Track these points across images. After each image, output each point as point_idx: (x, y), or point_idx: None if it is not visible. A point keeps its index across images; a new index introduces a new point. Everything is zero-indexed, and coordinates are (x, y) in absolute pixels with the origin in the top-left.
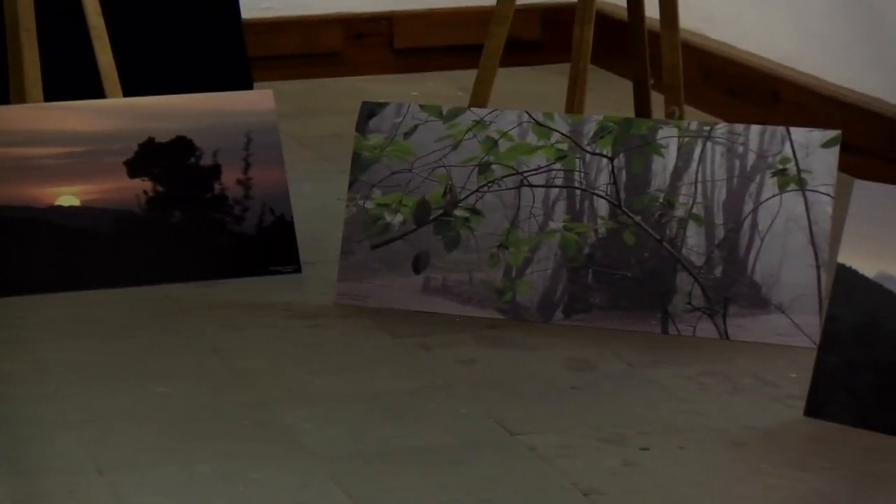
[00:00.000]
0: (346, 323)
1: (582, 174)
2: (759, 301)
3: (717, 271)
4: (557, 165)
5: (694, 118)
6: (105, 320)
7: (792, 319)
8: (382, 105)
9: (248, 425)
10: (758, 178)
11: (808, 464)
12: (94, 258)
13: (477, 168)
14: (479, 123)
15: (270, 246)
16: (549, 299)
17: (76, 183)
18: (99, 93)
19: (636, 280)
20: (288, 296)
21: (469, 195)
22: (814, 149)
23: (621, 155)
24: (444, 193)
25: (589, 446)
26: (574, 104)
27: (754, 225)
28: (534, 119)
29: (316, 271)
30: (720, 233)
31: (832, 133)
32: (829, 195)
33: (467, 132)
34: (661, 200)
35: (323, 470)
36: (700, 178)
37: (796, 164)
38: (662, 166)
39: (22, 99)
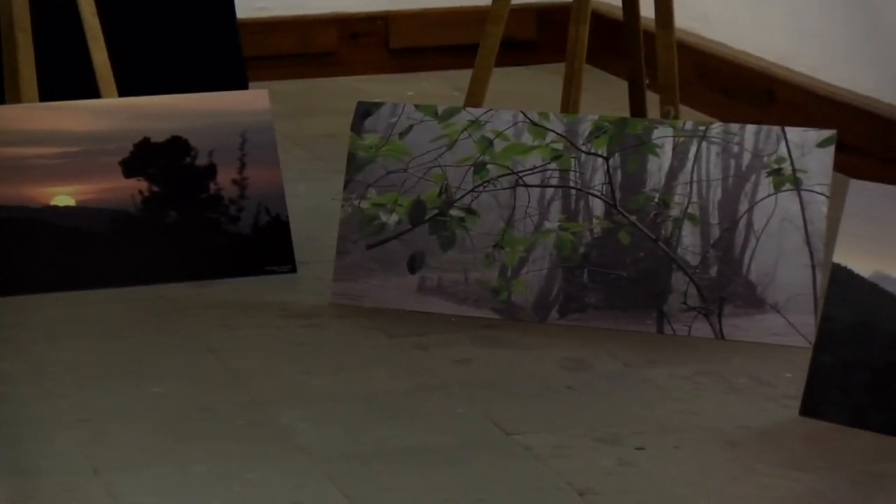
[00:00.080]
0: (342, 323)
1: (577, 174)
2: (754, 301)
3: (713, 271)
4: (553, 165)
5: (689, 118)
6: (100, 320)
7: (787, 319)
8: (378, 105)
9: (244, 425)
10: (753, 177)
11: (803, 463)
12: (90, 258)
13: (472, 168)
14: (475, 123)
15: (266, 246)
16: (544, 299)
17: (72, 183)
18: (94, 93)
19: (631, 280)
20: (283, 296)
21: (464, 195)
22: (809, 148)
23: (616, 155)
24: (440, 193)
25: (584, 446)
26: (569, 104)
27: (749, 224)
28: (529, 119)
29: (311, 271)
30: (715, 232)
31: (827, 133)
32: (824, 195)
33: (462, 132)
34: (656, 200)
35: (319, 470)
36: (695, 178)
37: (791, 163)
38: (658, 166)
39: (17, 99)
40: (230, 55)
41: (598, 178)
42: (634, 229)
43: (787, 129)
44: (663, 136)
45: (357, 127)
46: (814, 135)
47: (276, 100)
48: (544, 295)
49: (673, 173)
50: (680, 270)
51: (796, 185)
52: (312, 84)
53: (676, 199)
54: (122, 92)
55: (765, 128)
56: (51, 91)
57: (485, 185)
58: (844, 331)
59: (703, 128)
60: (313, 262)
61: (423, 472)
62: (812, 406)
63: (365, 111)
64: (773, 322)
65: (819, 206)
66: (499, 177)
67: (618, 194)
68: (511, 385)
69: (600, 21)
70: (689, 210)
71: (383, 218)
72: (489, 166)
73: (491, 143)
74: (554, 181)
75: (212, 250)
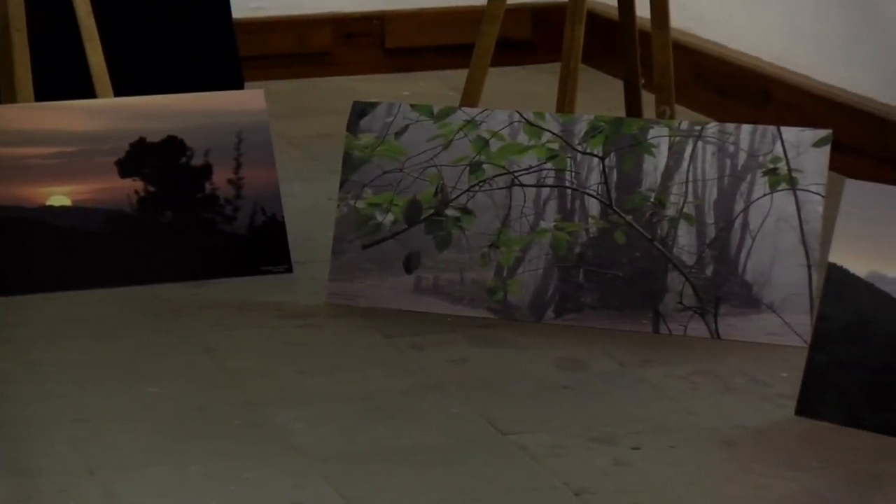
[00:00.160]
0: (338, 323)
1: (573, 174)
2: (750, 300)
3: (709, 271)
4: (548, 165)
5: (685, 117)
6: (97, 320)
7: (783, 319)
8: (373, 105)
9: (240, 425)
10: (749, 177)
11: (799, 463)
12: (86, 258)
13: (468, 168)
14: (471, 123)
15: (261, 246)
16: (540, 299)
17: (67, 183)
18: (90, 93)
19: (627, 279)
20: (279, 295)
21: (460, 195)
22: (805, 148)
23: (612, 154)
24: (436, 193)
25: (580, 446)
26: (565, 104)
27: (745, 224)
28: (525, 119)
29: (307, 271)
30: (711, 232)
31: (823, 132)
32: (820, 194)
33: (458, 132)
34: (652, 200)
35: (315, 469)
36: (691, 178)
37: (787, 163)
38: (653, 166)
39: (13, 99)
40: (226, 55)
41: (594, 178)
42: (630, 229)
43: (783, 128)
44: (659, 136)
45: (353, 127)
46: (809, 134)
47: (271, 100)
48: (540, 295)
49: (669, 173)
50: (676, 270)
51: (792, 184)
52: (308, 84)
53: (672, 198)
54: (118, 92)
55: (760, 127)
56: (46, 91)
57: (481, 184)
58: (840, 330)
59: (698, 127)
60: (309, 262)
61: (418, 472)
62: (808, 406)
63: (361, 111)
64: (769, 322)
65: (815, 206)
66: (495, 176)
67: (613, 194)
68: (507, 385)
69: (596, 21)
70: (685, 210)
71: (379, 218)
72: (485, 166)
73: (487, 142)
74: (550, 181)
75: (207, 250)
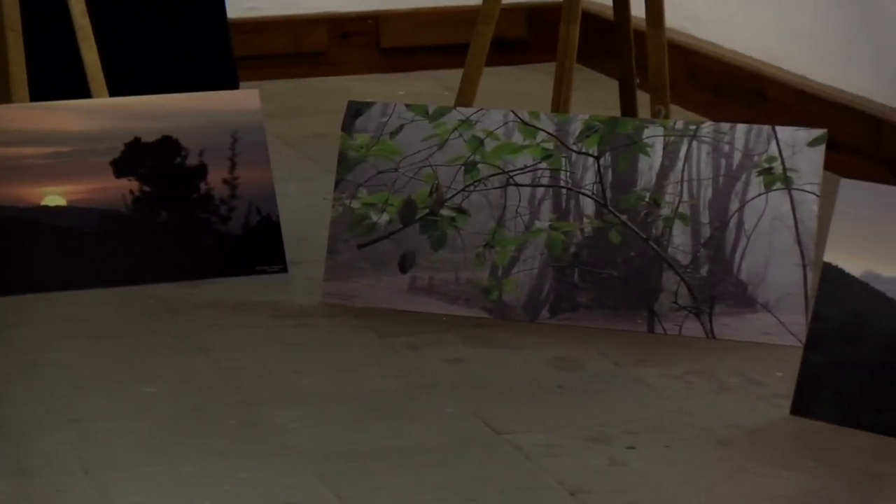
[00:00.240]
0: (333, 322)
1: (568, 173)
2: (745, 300)
3: (704, 270)
4: (543, 165)
5: (680, 117)
6: (92, 320)
7: (778, 318)
8: (368, 104)
9: (236, 425)
10: (744, 176)
11: (794, 462)
12: (81, 258)
13: (463, 167)
14: (465, 123)
15: (256, 245)
16: (535, 298)
17: (62, 183)
18: (85, 93)
19: (622, 279)
20: (274, 295)
21: (455, 194)
22: (800, 147)
23: (607, 154)
24: (431, 193)
25: (575, 445)
26: (560, 103)
27: (740, 224)
28: (520, 118)
29: (302, 271)
30: (706, 232)
31: (818, 132)
32: (815, 194)
33: (453, 131)
34: (647, 199)
35: (310, 469)
36: (686, 177)
37: (782, 162)
38: (648, 165)
39: (7, 99)
40: (221, 55)
41: (589, 178)
42: (625, 229)
43: (778, 128)
44: (654, 136)
45: (348, 127)
46: (804, 134)
47: (266, 99)
48: (535, 294)
49: (664, 173)
50: (671, 270)
51: (787, 184)
52: (303, 84)
53: (667, 198)
54: (113, 92)
55: (755, 127)
56: (41, 91)
57: (475, 184)
58: (835, 330)
59: (693, 127)
60: (304, 262)
61: (414, 472)
62: (803, 405)
63: (356, 111)
64: (764, 321)
65: (810, 205)
66: (489, 176)
67: (608, 194)
68: (502, 384)
69: (591, 20)
70: (680, 209)
71: (374, 217)
72: (480, 166)
73: (482, 142)
74: (545, 181)
75: (202, 250)
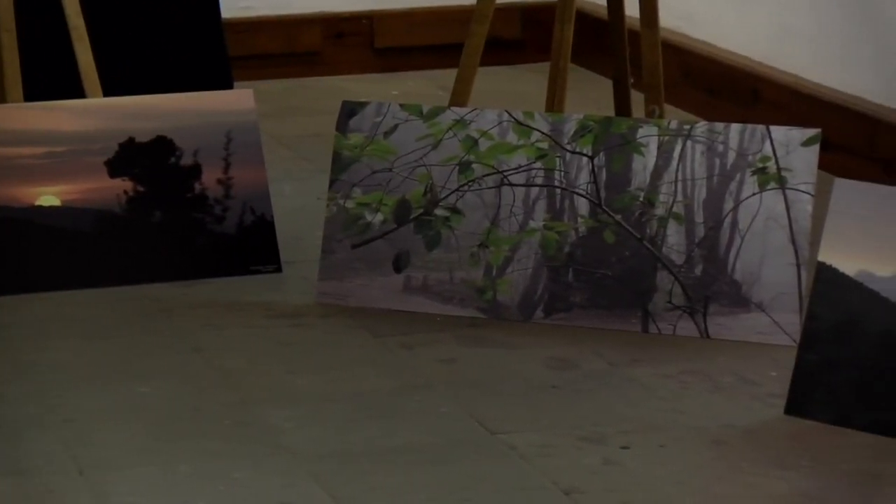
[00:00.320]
0: (327, 322)
1: (562, 173)
2: (739, 299)
3: (698, 270)
4: (538, 164)
5: (674, 117)
6: (87, 320)
7: (772, 318)
8: (363, 104)
9: (230, 425)
10: (738, 176)
11: (788, 462)
12: (75, 258)
13: (457, 167)
14: (460, 122)
15: (251, 245)
16: (529, 298)
17: (57, 183)
18: (79, 92)
19: (616, 279)
20: (269, 295)
21: (449, 194)
22: (794, 147)
23: (601, 154)
24: (425, 192)
25: (569, 445)
26: (554, 103)
27: (734, 223)
28: (514, 118)
29: (296, 271)
30: (700, 231)
31: (812, 131)
32: (809, 193)
33: (448, 131)
34: (641, 199)
35: (305, 469)
36: (680, 177)
37: (776, 162)
38: (643, 165)
39: (2, 99)
40: (215, 55)
41: (583, 178)
42: (619, 228)
43: (772, 127)
44: (648, 136)
45: (342, 126)
46: (798, 134)
47: (261, 99)
48: (529, 294)
49: (658, 172)
50: (665, 269)
51: (781, 183)
52: (297, 84)
53: (661, 198)
54: (107, 92)
55: (749, 127)
56: (36, 91)
57: (470, 184)
58: (829, 329)
59: (687, 127)
60: (298, 262)
61: (408, 472)
62: (797, 405)
63: (350, 111)
64: (758, 321)
65: (804, 205)
66: (484, 176)
67: (603, 193)
68: (496, 384)
69: (585, 20)
70: (674, 209)
71: (368, 217)
72: (474, 165)
73: (476, 142)
74: (539, 180)
75: (197, 250)
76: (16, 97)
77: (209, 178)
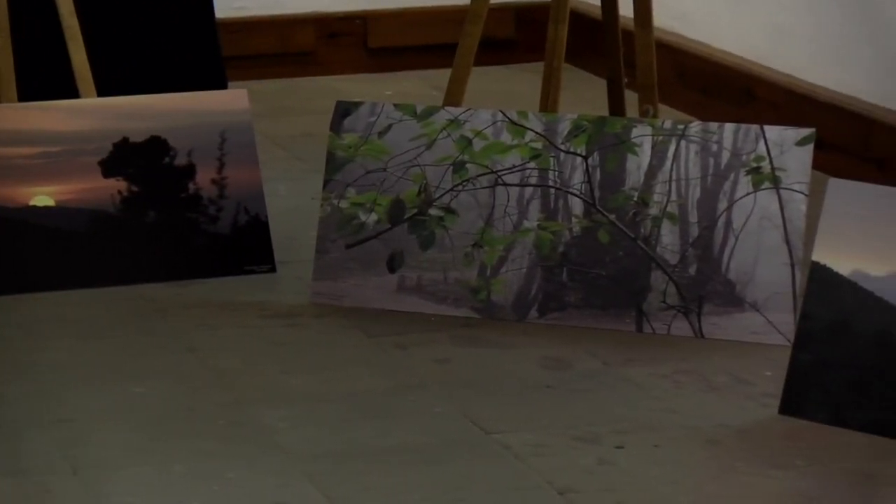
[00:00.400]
0: (322, 322)
1: (556, 173)
2: (733, 299)
3: (692, 269)
4: (532, 164)
5: (668, 117)
6: (81, 320)
7: (766, 317)
8: (357, 104)
9: (225, 425)
10: (732, 176)
11: (782, 462)
12: (69, 258)
13: (451, 167)
14: (454, 122)
15: (245, 245)
16: (523, 298)
17: (51, 183)
18: (73, 93)
19: (611, 278)
20: (263, 295)
21: (443, 194)
22: (788, 147)
23: (595, 153)
24: (419, 192)
25: (564, 445)
26: (548, 103)
27: (728, 223)
28: (508, 118)
29: (291, 271)
30: (694, 231)
31: (806, 131)
32: (803, 193)
33: (441, 131)
34: (635, 199)
35: (299, 469)
36: (674, 177)
37: (770, 162)
38: (637, 165)
39: None
40: (209, 55)
41: (577, 177)
42: (613, 228)
43: (766, 127)
44: (642, 135)
45: (336, 126)
46: (793, 133)
47: (255, 99)
48: (523, 294)
49: (652, 172)
50: (659, 269)
51: (775, 183)
52: (291, 84)
53: (655, 197)
54: (101, 92)
55: (744, 126)
56: (30, 91)
57: (464, 184)
58: (824, 329)
59: (682, 126)
60: (293, 262)
61: (402, 472)
62: (791, 404)
63: (344, 111)
64: (753, 320)
65: (798, 205)
66: (478, 176)
67: (597, 193)
68: (490, 384)
69: (579, 20)
70: (668, 209)
71: (362, 217)
72: (468, 165)
73: (470, 142)
74: (533, 180)
75: (191, 250)
76: (10, 97)
77: (203, 178)
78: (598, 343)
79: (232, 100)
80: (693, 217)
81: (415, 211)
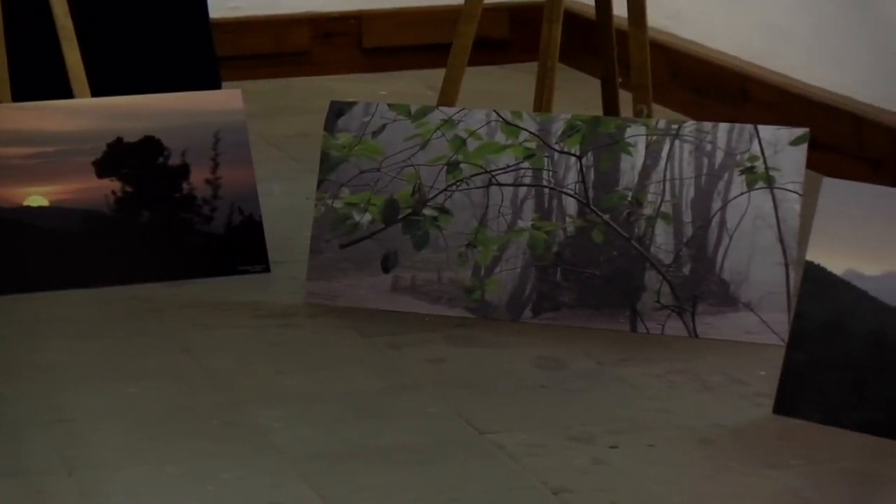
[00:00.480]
0: (316, 322)
1: (550, 173)
2: (727, 299)
3: (686, 269)
4: (526, 164)
5: (662, 116)
6: (75, 321)
7: (760, 317)
8: (351, 104)
9: (219, 425)
10: (726, 175)
11: (777, 461)
12: (63, 258)
13: (445, 167)
14: (448, 122)
15: (239, 245)
16: (517, 298)
17: (45, 183)
18: (67, 93)
19: (605, 278)
20: (257, 295)
21: (438, 194)
22: (782, 146)
23: (590, 153)
24: (413, 192)
25: (558, 445)
26: (542, 103)
27: (723, 223)
28: (502, 118)
29: (285, 271)
30: (688, 231)
31: (800, 131)
32: (797, 193)
33: (436, 131)
34: (629, 199)
35: (294, 469)
36: (668, 177)
37: (764, 161)
38: (631, 165)
39: None
40: (203, 55)
41: (572, 177)
42: (608, 228)
43: (760, 127)
44: (636, 135)
45: (330, 126)
46: (786, 133)
47: (249, 99)
48: (518, 294)
49: (646, 172)
50: (653, 269)
51: (769, 183)
52: (286, 84)
53: (649, 197)
54: (96, 92)
55: (737, 126)
56: (24, 91)
57: (458, 184)
58: (818, 329)
59: (676, 126)
60: (287, 262)
61: (396, 472)
62: (786, 404)
63: (338, 110)
64: (747, 320)
65: (792, 204)
66: (472, 176)
67: (591, 193)
68: (485, 384)
69: (573, 20)
70: (663, 208)
71: (356, 217)
72: (462, 165)
73: (464, 142)
74: (527, 180)
75: (185, 250)
76: (4, 97)
77: (197, 179)
78: (592, 343)
79: (226, 100)
80: (687, 217)
81: (409, 211)
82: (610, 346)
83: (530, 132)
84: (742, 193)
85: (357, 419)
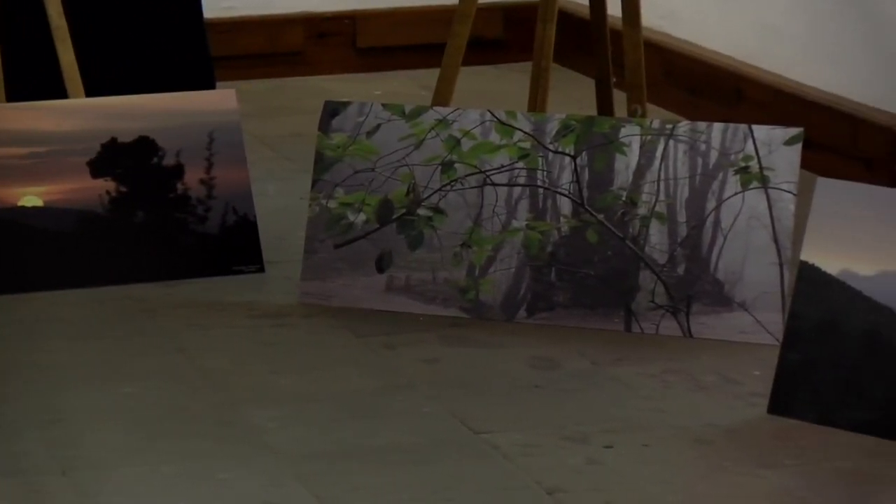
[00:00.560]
0: (310, 322)
1: (545, 173)
2: (722, 299)
3: (680, 269)
4: (520, 164)
5: (656, 116)
6: (70, 321)
7: (755, 317)
8: (345, 104)
9: (214, 425)
10: (720, 175)
11: (771, 461)
12: (58, 259)
13: (440, 167)
14: (442, 122)
15: (233, 245)
16: (512, 298)
17: (39, 183)
18: (62, 93)
19: (599, 278)
20: (251, 295)
21: (432, 194)
22: (776, 146)
23: (584, 153)
24: (407, 192)
25: (552, 444)
26: (536, 103)
27: (717, 223)
28: (496, 118)
29: (279, 271)
30: (683, 231)
31: (794, 130)
32: (791, 192)
33: (430, 131)
34: (623, 199)
35: (288, 469)
36: (663, 177)
37: (759, 161)
38: (625, 164)
39: None
40: (197, 55)
41: (566, 177)
42: (602, 228)
43: (755, 126)
44: (631, 135)
45: (325, 126)
46: (781, 133)
47: (243, 99)
48: (512, 294)
49: (640, 172)
50: (648, 269)
51: (763, 182)
52: (280, 84)
53: (644, 197)
54: (90, 92)
55: (732, 126)
56: (18, 92)
57: (452, 184)
58: (812, 328)
59: (670, 126)
60: (281, 262)
61: (391, 472)
62: (780, 404)
63: (332, 110)
64: (741, 320)
65: (786, 204)
66: (466, 176)
67: (585, 193)
68: (479, 384)
69: (567, 20)
70: (657, 208)
71: (351, 217)
72: (457, 165)
73: (458, 142)
74: (521, 180)
75: (180, 250)
76: None
77: (192, 179)
78: (586, 343)
79: (220, 100)
80: (681, 217)
81: (403, 211)
82: (604, 346)
83: (525, 132)
84: (736, 193)
85: (351, 419)
